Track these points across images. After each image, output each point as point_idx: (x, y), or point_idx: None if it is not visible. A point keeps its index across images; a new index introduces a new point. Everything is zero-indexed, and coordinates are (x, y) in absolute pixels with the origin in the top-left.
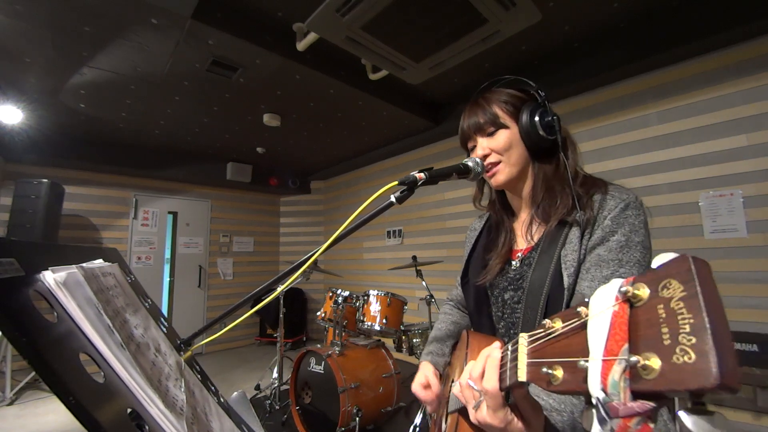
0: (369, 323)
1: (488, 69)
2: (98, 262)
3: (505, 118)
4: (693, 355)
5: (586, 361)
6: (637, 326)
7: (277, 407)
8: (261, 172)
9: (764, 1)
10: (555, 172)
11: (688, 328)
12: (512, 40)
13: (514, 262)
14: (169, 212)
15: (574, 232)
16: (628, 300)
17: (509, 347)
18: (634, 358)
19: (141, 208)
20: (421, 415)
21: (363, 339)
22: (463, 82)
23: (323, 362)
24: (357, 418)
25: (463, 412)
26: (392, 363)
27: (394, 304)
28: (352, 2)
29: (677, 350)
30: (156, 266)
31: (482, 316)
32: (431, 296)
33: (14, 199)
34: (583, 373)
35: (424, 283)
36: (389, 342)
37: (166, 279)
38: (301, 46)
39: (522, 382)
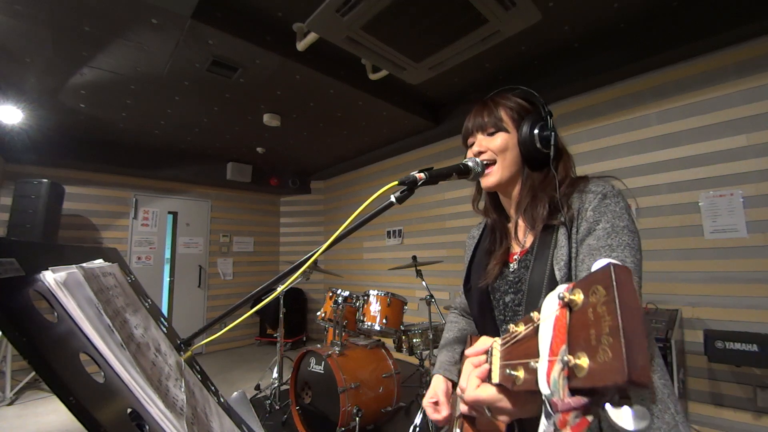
0: (369, 323)
1: (488, 69)
2: (98, 262)
3: (507, 122)
4: (610, 354)
5: (536, 362)
6: (574, 328)
7: (277, 407)
8: (261, 172)
9: (764, 1)
10: (542, 181)
11: (607, 330)
12: (512, 40)
13: (512, 265)
14: (169, 212)
15: (562, 232)
16: (567, 305)
17: (489, 350)
18: (566, 358)
19: (141, 208)
20: (421, 415)
21: (363, 339)
22: (463, 82)
23: (323, 362)
24: (357, 418)
25: (468, 417)
26: (392, 363)
27: (394, 304)
28: (352, 2)
29: (600, 350)
30: (156, 266)
31: (486, 320)
32: (431, 296)
33: (14, 199)
34: (536, 374)
35: (424, 283)
36: (389, 342)
37: (166, 279)
38: (301, 46)
39: (496, 384)
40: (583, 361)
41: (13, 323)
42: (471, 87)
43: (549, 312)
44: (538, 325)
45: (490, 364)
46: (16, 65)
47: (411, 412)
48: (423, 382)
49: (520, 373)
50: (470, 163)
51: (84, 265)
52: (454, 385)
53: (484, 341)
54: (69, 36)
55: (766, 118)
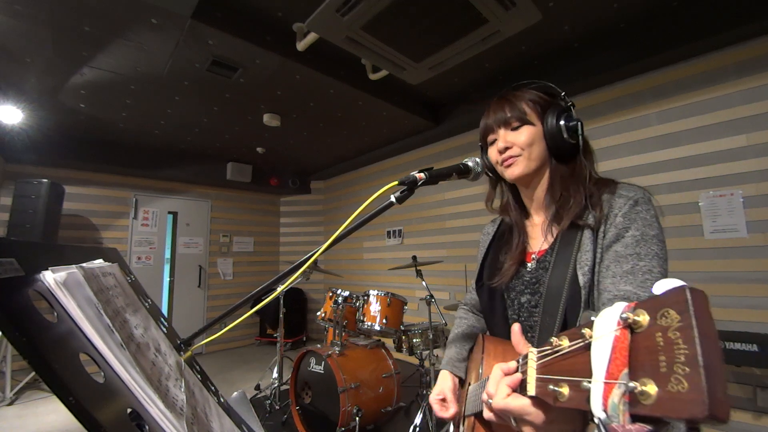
0: (369, 323)
1: (488, 69)
2: (98, 262)
3: (531, 115)
4: (686, 385)
5: (589, 382)
6: (637, 352)
7: (277, 407)
8: (261, 172)
9: (764, 1)
10: (571, 174)
11: (683, 359)
12: (512, 40)
13: (529, 265)
14: (169, 212)
15: (587, 235)
16: (629, 326)
17: (520, 360)
18: (632, 384)
19: (141, 208)
20: (421, 415)
21: (363, 339)
22: (463, 82)
23: (323, 362)
24: (357, 418)
25: (479, 416)
26: (392, 363)
27: (394, 304)
28: (352, 2)
29: (672, 379)
30: (156, 266)
31: (497, 319)
32: (431, 296)
33: (14, 199)
34: (587, 393)
35: (424, 283)
36: (389, 342)
37: (166, 279)
38: (301, 46)
39: (531, 396)
40: (650, 388)
41: (13, 323)
42: (471, 87)
43: (605, 330)
44: (589, 343)
45: (524, 374)
46: (16, 65)
47: (411, 412)
48: (423, 382)
49: (565, 390)
50: (470, 163)
51: (84, 265)
52: (461, 381)
53: (516, 346)
54: (69, 36)
55: (766, 118)
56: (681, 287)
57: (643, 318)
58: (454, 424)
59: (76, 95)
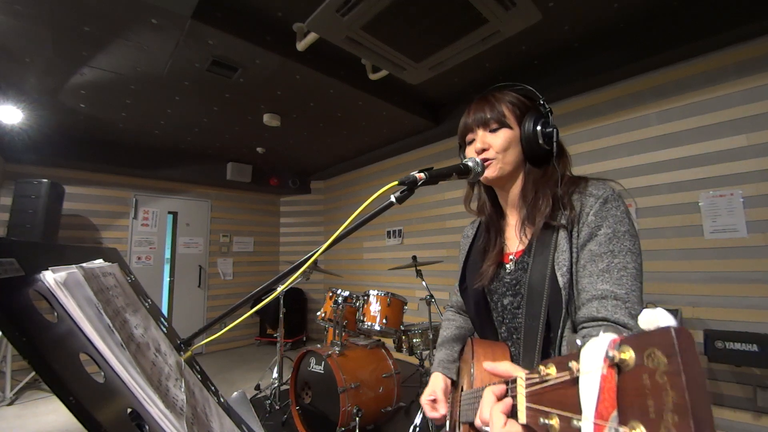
0: (369, 323)
1: (488, 69)
2: (98, 262)
3: (510, 119)
4: None
5: (579, 420)
6: (625, 392)
7: (277, 407)
8: (261, 172)
9: (764, 1)
10: (542, 176)
11: (671, 406)
12: (512, 40)
13: (507, 266)
14: (169, 212)
15: (562, 235)
16: (616, 364)
17: (509, 383)
18: (622, 430)
19: (141, 208)
20: (421, 415)
21: (363, 339)
22: (463, 82)
23: (323, 362)
24: (357, 418)
25: (473, 426)
26: (392, 363)
27: (394, 304)
28: (352, 2)
29: (662, 426)
30: (156, 266)
31: (483, 321)
32: (431, 296)
33: (14, 199)
34: (577, 431)
35: (424, 283)
36: (389, 342)
37: (166, 279)
38: (301, 46)
39: (522, 424)
40: None
41: (13, 323)
42: (471, 87)
43: (592, 366)
44: (577, 377)
45: (514, 399)
46: (16, 65)
47: (411, 412)
48: (423, 382)
49: (555, 423)
50: (470, 163)
51: (84, 265)
52: (453, 382)
53: (505, 367)
54: (69, 36)
55: (766, 118)
56: (666, 329)
57: (629, 356)
58: (449, 429)
59: (76, 95)
